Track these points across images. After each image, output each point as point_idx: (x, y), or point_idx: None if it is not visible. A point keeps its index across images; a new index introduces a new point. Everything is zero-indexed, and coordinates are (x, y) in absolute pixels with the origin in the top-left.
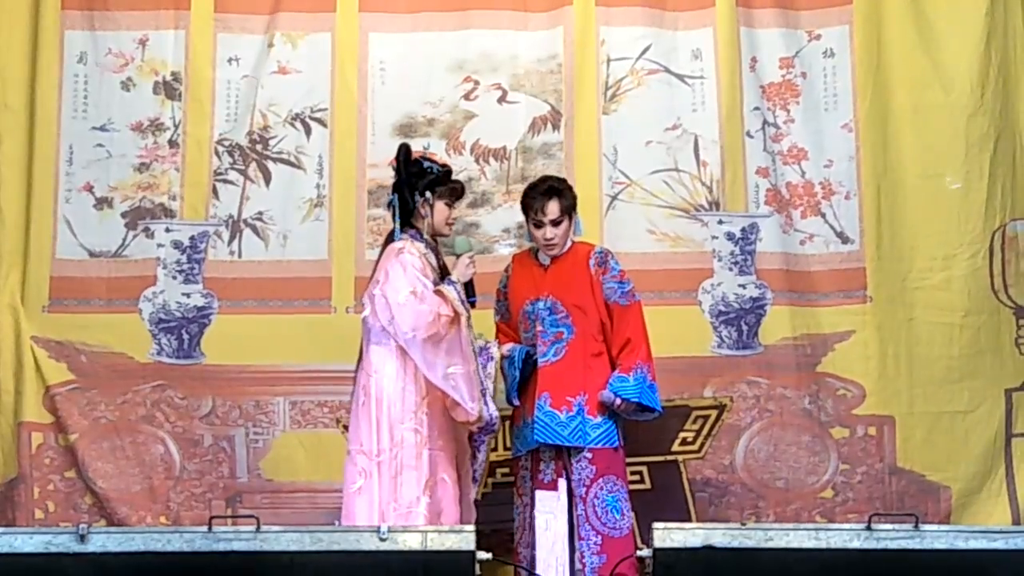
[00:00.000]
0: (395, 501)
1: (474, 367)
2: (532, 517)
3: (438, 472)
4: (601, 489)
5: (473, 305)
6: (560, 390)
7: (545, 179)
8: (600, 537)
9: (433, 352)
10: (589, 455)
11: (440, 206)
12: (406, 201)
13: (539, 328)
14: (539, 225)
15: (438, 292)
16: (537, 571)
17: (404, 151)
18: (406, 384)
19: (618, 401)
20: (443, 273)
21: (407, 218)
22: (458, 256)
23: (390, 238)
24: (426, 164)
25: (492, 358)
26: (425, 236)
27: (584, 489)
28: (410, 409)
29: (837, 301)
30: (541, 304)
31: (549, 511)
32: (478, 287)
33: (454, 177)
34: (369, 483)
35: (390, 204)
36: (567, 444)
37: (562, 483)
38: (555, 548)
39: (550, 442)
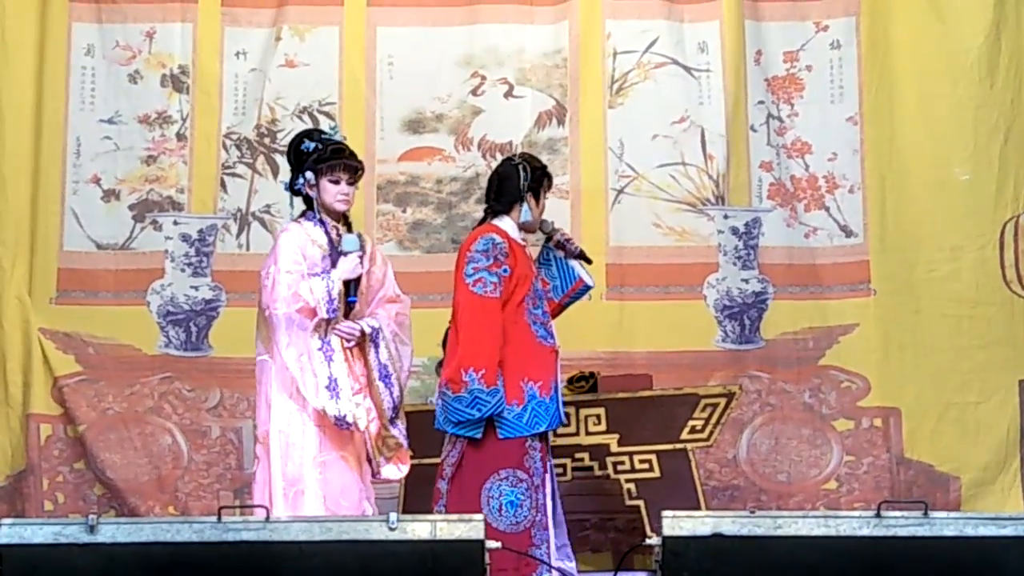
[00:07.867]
0: (284, 480)
1: (315, 362)
2: (544, 498)
3: (331, 449)
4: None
5: (352, 305)
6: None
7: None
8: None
9: (291, 332)
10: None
11: (324, 184)
12: (294, 187)
13: (544, 307)
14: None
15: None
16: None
17: (293, 139)
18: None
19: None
20: (334, 260)
21: (309, 204)
22: (345, 254)
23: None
24: (304, 145)
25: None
26: (323, 218)
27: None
28: (294, 386)
29: (841, 294)
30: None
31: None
32: None
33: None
34: (263, 465)
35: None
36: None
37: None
38: (562, 530)
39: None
